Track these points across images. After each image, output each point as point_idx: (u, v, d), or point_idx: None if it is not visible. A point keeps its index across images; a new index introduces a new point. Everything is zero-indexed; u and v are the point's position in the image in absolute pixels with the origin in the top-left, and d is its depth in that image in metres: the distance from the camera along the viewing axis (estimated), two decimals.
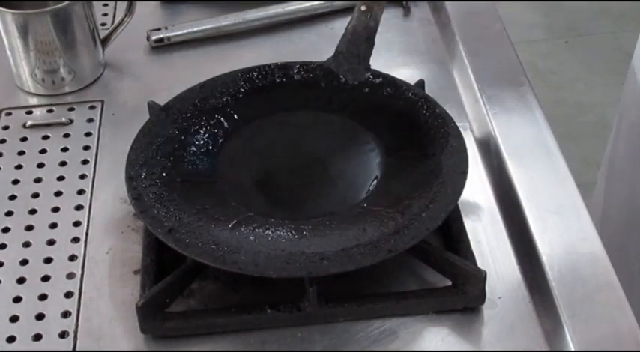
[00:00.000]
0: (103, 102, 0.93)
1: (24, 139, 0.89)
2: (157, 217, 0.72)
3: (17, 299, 0.72)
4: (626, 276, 0.76)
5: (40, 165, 0.85)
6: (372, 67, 0.85)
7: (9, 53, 0.93)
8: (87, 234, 0.78)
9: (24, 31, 0.90)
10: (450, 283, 0.71)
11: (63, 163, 0.86)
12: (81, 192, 0.82)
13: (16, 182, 0.84)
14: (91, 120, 0.91)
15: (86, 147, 0.87)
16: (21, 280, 0.74)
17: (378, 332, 0.69)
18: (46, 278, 0.74)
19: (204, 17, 1.02)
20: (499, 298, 0.71)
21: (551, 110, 0.91)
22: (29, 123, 0.90)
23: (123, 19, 0.97)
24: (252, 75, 0.86)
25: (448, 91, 0.92)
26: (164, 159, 0.78)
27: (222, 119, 0.84)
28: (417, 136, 0.80)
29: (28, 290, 0.73)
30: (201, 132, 0.82)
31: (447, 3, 1.03)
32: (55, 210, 0.80)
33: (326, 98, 0.85)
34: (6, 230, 0.79)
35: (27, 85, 0.94)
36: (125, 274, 0.74)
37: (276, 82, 0.86)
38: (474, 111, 0.90)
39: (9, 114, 0.92)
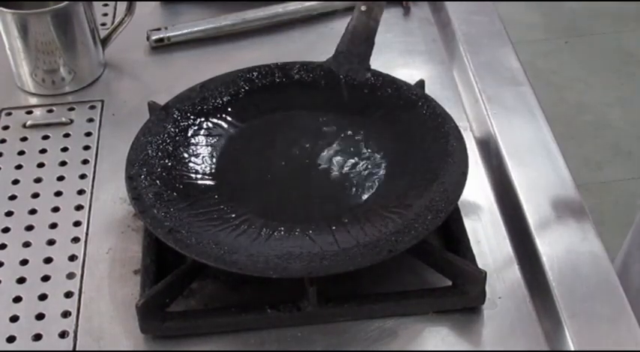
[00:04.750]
0: (103, 102, 0.93)
1: (24, 139, 0.89)
2: (157, 217, 0.72)
3: (17, 299, 0.72)
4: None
5: (40, 165, 0.85)
6: (372, 67, 0.85)
7: (9, 53, 0.93)
8: (87, 234, 0.78)
9: (24, 31, 0.90)
10: (450, 283, 0.71)
11: (63, 163, 0.86)
12: (81, 192, 0.82)
13: (16, 182, 0.84)
14: (91, 120, 0.91)
15: (86, 147, 0.87)
16: (21, 280, 0.74)
17: (378, 332, 0.69)
18: (46, 278, 0.74)
19: (204, 17, 1.02)
20: (499, 298, 0.71)
21: (551, 110, 0.91)
22: (29, 123, 0.90)
23: (123, 19, 0.97)
24: (252, 75, 0.86)
25: (448, 91, 0.92)
26: (164, 159, 0.78)
27: (222, 119, 0.84)
28: (417, 136, 0.80)
29: (28, 290, 0.73)
30: (201, 132, 0.82)
31: (446, 3, 1.03)
32: (55, 210, 0.80)
33: (326, 98, 0.85)
34: (6, 230, 0.79)
35: (27, 84, 0.94)
36: (125, 274, 0.74)
37: (276, 82, 0.86)
38: (474, 111, 0.90)
39: (9, 114, 0.92)
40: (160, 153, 0.79)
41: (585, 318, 0.68)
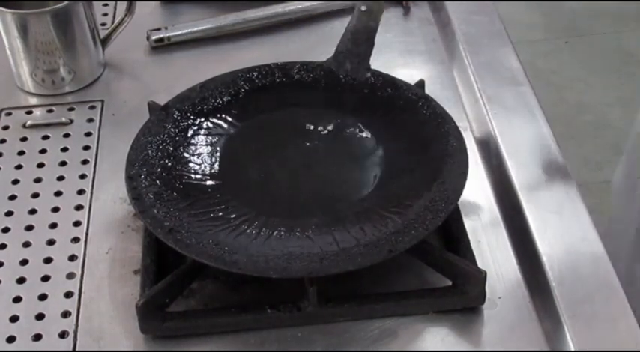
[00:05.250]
0: (103, 102, 0.93)
1: (24, 139, 0.89)
2: (157, 217, 0.72)
3: (17, 299, 0.72)
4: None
5: (40, 165, 0.85)
6: (372, 67, 0.85)
7: (9, 53, 0.93)
8: (87, 234, 0.78)
9: (24, 31, 0.90)
10: (450, 283, 0.71)
11: (63, 163, 0.86)
12: (81, 192, 0.82)
13: (16, 182, 0.84)
14: (91, 120, 0.91)
15: (86, 147, 0.87)
16: (21, 280, 0.74)
17: (378, 332, 0.69)
18: (46, 278, 0.74)
19: (204, 17, 1.02)
20: (499, 298, 0.71)
21: (551, 110, 0.91)
22: (29, 123, 0.90)
23: (123, 19, 0.97)
24: (252, 75, 0.86)
25: (448, 91, 0.92)
26: (164, 159, 0.78)
27: (222, 119, 0.84)
28: (417, 136, 0.80)
29: (28, 290, 0.73)
30: (201, 132, 0.82)
31: (446, 3, 1.03)
32: (55, 210, 0.80)
33: (326, 98, 0.85)
34: (6, 230, 0.79)
35: (27, 85, 0.94)
36: (125, 274, 0.74)
37: (276, 82, 0.86)
38: (473, 111, 0.90)
39: (9, 114, 0.92)
40: (159, 153, 0.79)
41: (585, 318, 0.68)
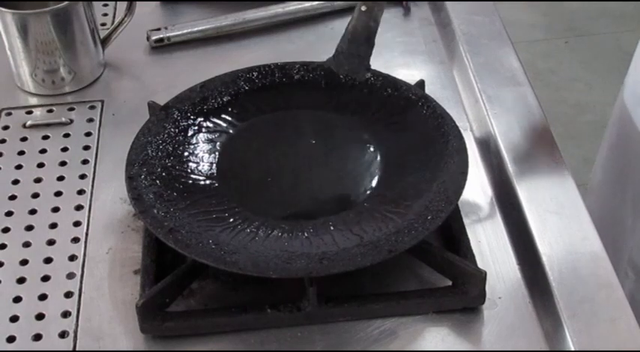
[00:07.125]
0: (103, 102, 0.93)
1: (24, 139, 0.89)
2: (157, 217, 0.72)
3: (17, 299, 0.72)
4: None
5: (40, 165, 0.85)
6: (372, 67, 0.85)
7: (9, 53, 0.93)
8: (87, 234, 0.78)
9: (24, 31, 0.90)
10: (450, 283, 0.71)
11: (63, 163, 0.86)
12: (81, 192, 0.82)
13: (16, 182, 0.84)
14: (91, 120, 0.91)
15: (86, 147, 0.87)
16: (21, 280, 0.74)
17: (378, 332, 0.69)
18: (46, 278, 0.74)
19: (204, 17, 1.03)
20: (499, 298, 0.71)
21: (551, 110, 0.91)
22: (29, 123, 0.90)
23: (123, 19, 0.97)
24: (252, 75, 0.86)
25: (448, 91, 0.93)
26: (164, 159, 0.78)
27: (222, 119, 0.84)
28: (417, 136, 0.80)
29: (28, 290, 0.73)
30: (201, 132, 0.82)
31: (447, 3, 1.03)
32: (55, 210, 0.80)
33: (326, 98, 0.85)
34: (6, 230, 0.79)
35: (27, 85, 0.94)
36: (125, 274, 0.74)
37: (276, 82, 0.86)
38: (474, 111, 0.90)
39: (9, 114, 0.92)
40: (160, 153, 0.79)
41: (585, 318, 0.68)
